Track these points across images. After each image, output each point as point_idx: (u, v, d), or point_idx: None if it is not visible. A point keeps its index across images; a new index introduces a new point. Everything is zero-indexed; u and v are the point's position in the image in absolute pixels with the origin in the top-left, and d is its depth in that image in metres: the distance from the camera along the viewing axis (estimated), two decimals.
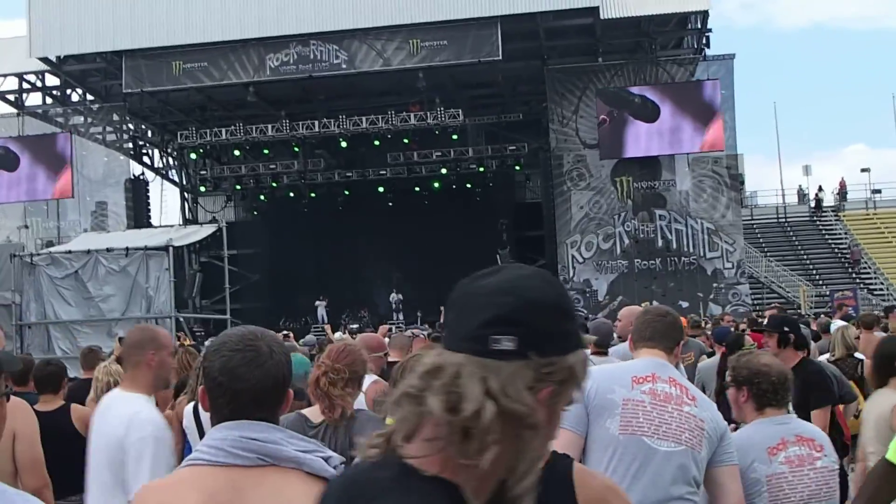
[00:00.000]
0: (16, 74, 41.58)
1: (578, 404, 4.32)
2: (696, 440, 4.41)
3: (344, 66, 37.18)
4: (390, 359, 8.40)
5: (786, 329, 7.48)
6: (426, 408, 1.82)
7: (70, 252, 29.53)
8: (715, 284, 37.89)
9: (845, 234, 46.58)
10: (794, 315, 27.16)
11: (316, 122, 39.17)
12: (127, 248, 28.72)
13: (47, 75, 41.84)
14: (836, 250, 45.80)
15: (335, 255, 42.67)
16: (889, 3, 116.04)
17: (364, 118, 38.75)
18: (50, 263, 28.82)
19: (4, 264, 29.59)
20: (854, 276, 43.46)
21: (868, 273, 43.82)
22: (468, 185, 43.65)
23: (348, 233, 42.60)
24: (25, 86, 42.32)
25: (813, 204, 49.64)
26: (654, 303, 31.95)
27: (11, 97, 42.36)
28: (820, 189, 50.04)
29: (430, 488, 1.85)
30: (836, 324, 18.16)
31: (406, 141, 40.47)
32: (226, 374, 2.80)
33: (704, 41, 39.06)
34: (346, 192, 44.26)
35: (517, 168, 42.86)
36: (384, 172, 42.15)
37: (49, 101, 43.06)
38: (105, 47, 38.15)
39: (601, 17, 36.37)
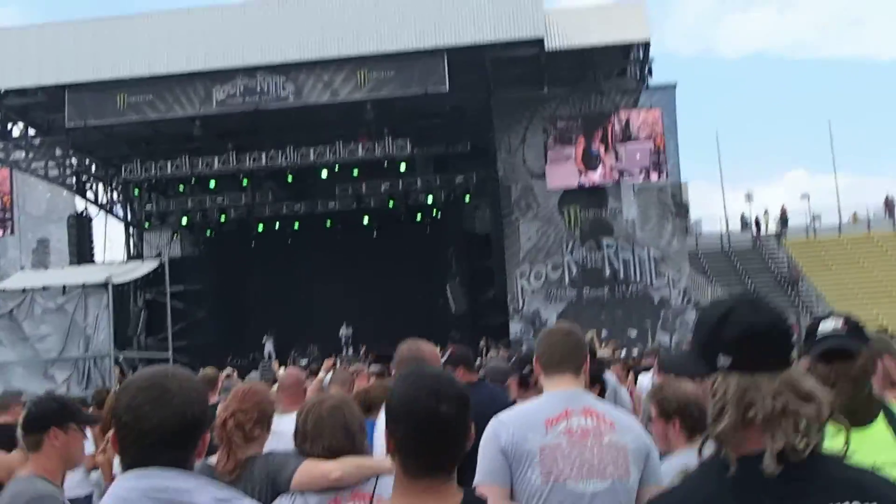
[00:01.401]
0: None
1: (496, 456, 4.26)
2: (621, 469, 4.30)
3: (291, 98, 37.08)
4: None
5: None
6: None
7: (4, 291, 28.75)
8: (662, 312, 38.12)
9: (788, 260, 47.24)
10: None
11: (263, 155, 39.00)
12: (64, 286, 27.92)
13: None
14: (780, 277, 46.43)
15: (284, 289, 42.34)
16: (824, 32, 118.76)
17: (312, 150, 38.65)
18: None
19: None
20: (797, 302, 44.04)
21: (810, 299, 44.41)
22: (417, 216, 43.70)
23: (297, 266, 42.37)
24: None
25: (754, 229, 50.41)
26: (603, 332, 32.27)
27: None
28: (766, 213, 51.01)
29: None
30: None
31: (355, 172, 40.37)
32: (130, 413, 2.69)
33: (647, 70, 39.46)
34: (295, 225, 44.06)
35: (466, 198, 42.97)
36: (333, 204, 42.01)
37: None
38: (47, 81, 37.57)
39: (546, 48, 36.76)
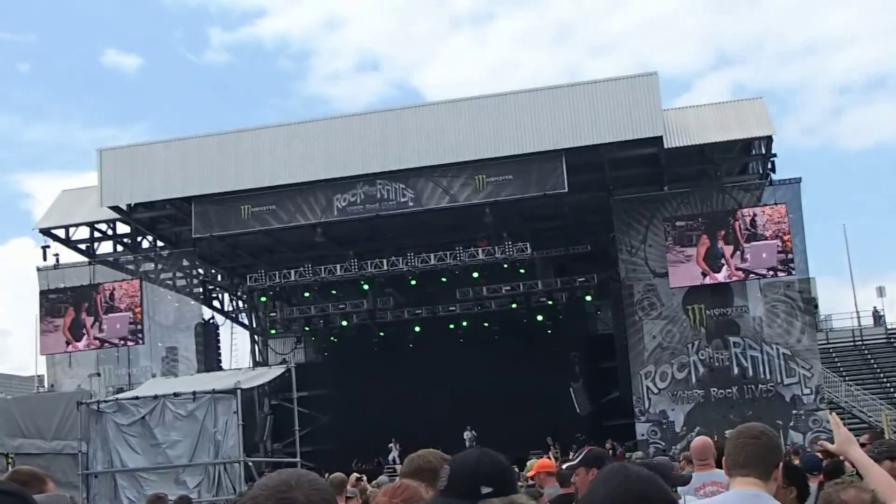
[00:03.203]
0: (87, 224, 42.15)
1: None
2: None
3: (411, 203, 37.34)
4: None
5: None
6: None
7: (137, 398, 29.13)
8: (794, 411, 36.99)
9: None
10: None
11: (384, 261, 39.29)
12: (194, 392, 28.22)
13: (118, 223, 42.42)
14: None
15: (407, 394, 42.23)
16: None
17: (432, 255, 38.84)
18: (116, 410, 28.32)
19: (72, 413, 29.28)
20: None
21: None
22: (539, 319, 43.42)
23: (419, 370, 42.27)
24: (97, 234, 42.85)
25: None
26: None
27: (83, 246, 42.83)
28: None
29: None
30: None
31: (475, 276, 40.36)
32: None
33: (770, 166, 38.78)
34: (417, 330, 44.16)
35: (587, 299, 42.60)
36: (454, 308, 42.15)
37: (120, 248, 43.57)
38: (174, 194, 38.82)
39: (665, 146, 36.47)
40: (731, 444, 4.44)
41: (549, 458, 29.99)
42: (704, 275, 37.59)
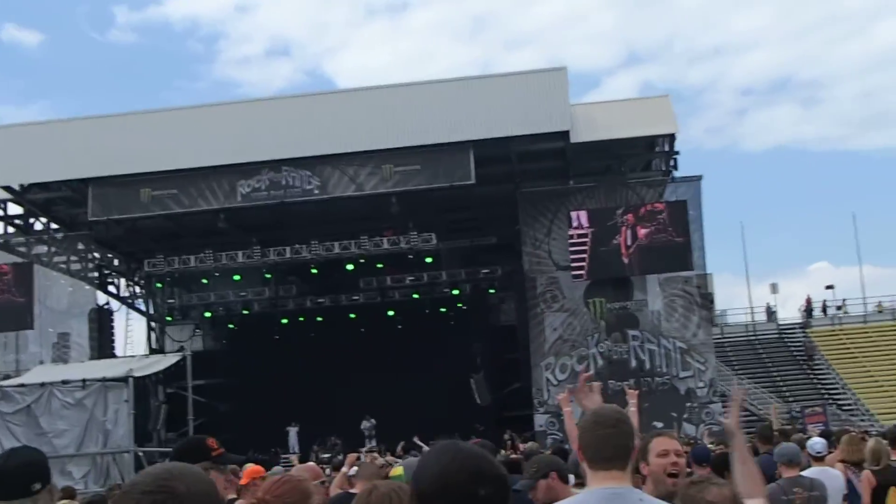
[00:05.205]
0: None
1: None
2: None
3: (316, 191, 36.97)
4: (356, 490, 8.31)
5: None
6: None
7: (23, 385, 28.47)
8: (688, 404, 37.71)
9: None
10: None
11: (288, 249, 38.74)
12: (84, 380, 27.69)
13: (9, 204, 41.06)
14: (805, 367, 46.04)
15: (306, 383, 41.82)
16: (847, 125, 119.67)
17: (337, 243, 38.47)
18: (0, 398, 27.74)
19: None
20: (823, 392, 43.66)
21: (836, 388, 44.06)
22: (442, 310, 43.51)
23: (320, 359, 41.90)
24: None
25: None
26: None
27: None
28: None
29: None
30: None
31: (380, 266, 40.18)
32: None
33: (672, 163, 39.51)
34: (319, 319, 43.79)
35: (491, 291, 42.86)
36: (357, 298, 41.92)
37: (11, 230, 42.17)
38: (71, 175, 37.61)
39: (571, 140, 36.74)
40: (589, 435, 4.09)
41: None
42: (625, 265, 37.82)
